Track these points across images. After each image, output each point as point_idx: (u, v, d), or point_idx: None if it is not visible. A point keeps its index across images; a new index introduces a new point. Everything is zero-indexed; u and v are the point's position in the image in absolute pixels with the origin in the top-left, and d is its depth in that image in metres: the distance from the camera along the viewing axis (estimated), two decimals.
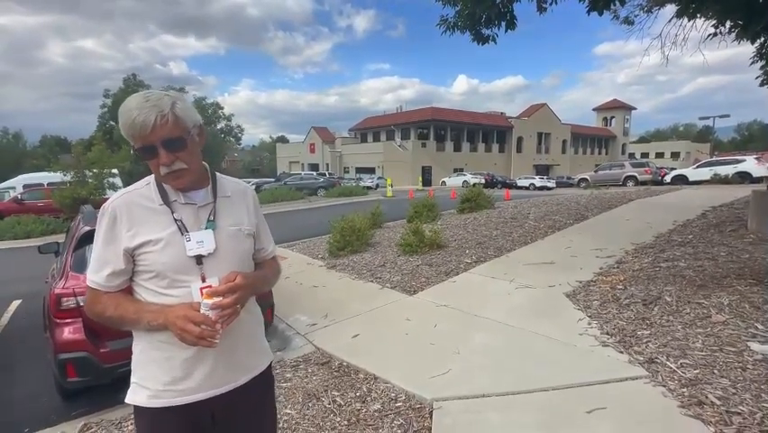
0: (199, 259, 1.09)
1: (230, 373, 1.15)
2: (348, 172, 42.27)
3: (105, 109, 37.16)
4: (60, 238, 8.32)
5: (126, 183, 18.74)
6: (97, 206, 3.97)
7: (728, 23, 4.77)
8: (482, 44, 5.82)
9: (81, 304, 2.69)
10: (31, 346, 4.08)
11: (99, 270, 1.09)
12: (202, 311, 1.01)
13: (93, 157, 13.57)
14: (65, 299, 2.69)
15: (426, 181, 35.98)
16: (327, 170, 39.34)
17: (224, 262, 1.12)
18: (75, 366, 2.65)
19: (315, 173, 31.83)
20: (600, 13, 4.81)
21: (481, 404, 2.42)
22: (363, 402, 2.55)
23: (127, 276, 1.11)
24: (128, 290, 1.13)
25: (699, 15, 5.08)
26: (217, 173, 1.22)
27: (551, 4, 5.39)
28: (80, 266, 2.87)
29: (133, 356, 1.15)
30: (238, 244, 1.18)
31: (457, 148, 42.40)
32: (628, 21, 7.80)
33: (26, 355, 3.94)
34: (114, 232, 1.08)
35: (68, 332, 2.68)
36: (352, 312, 4.22)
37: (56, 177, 13.91)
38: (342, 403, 2.56)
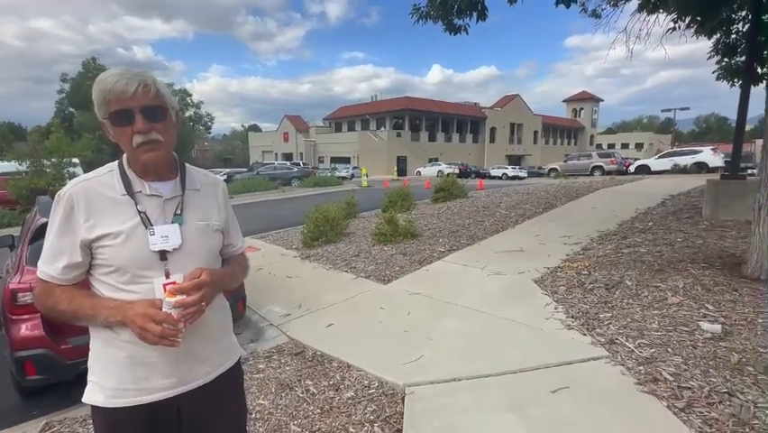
0: (163, 254, 1.04)
1: (195, 371, 1.12)
2: (323, 162, 41.83)
3: (63, 95, 35.22)
4: (15, 231, 7.87)
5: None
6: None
7: (687, 19, 4.98)
8: (454, 34, 5.85)
9: None
10: None
11: (53, 261, 1.03)
12: (164, 309, 0.97)
13: (51, 145, 12.85)
14: (21, 294, 2.56)
15: (401, 171, 36.09)
16: (301, 159, 38.77)
17: (190, 258, 1.08)
18: (34, 364, 2.53)
19: (288, 163, 31.30)
20: (567, 6, 4.91)
21: (452, 388, 2.49)
22: (337, 390, 2.57)
23: (84, 269, 1.06)
24: (83, 284, 1.08)
25: (660, 10, 5.27)
26: (187, 165, 1.17)
27: None
28: (36, 260, 2.73)
29: (90, 353, 1.09)
30: (206, 240, 1.13)
31: (432, 138, 42.65)
32: (596, 14, 7.99)
33: None
34: (70, 222, 1.02)
35: (26, 329, 2.56)
36: (327, 302, 4.22)
37: (10, 166, 13.10)
38: (316, 392, 2.57)
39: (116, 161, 1.10)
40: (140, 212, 1.04)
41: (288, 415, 2.35)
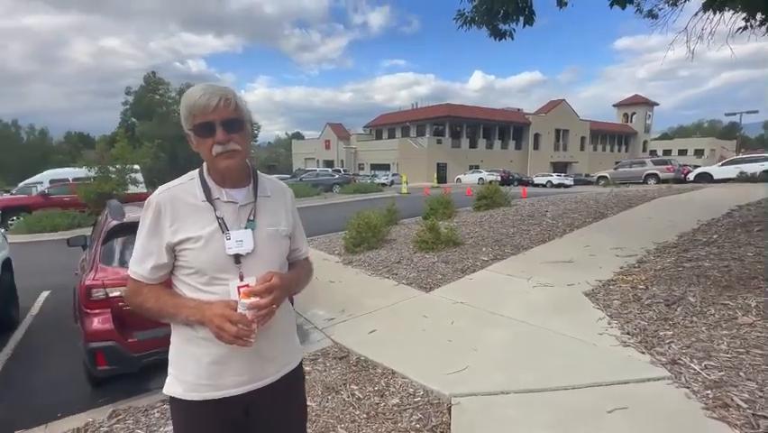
0: (237, 258, 1.10)
1: (264, 370, 1.17)
2: (363, 169, 42.32)
3: (127, 106, 38.15)
4: (86, 231, 8.55)
5: (147, 179, 19.17)
6: (122, 201, 4.05)
7: (759, 16, 4.60)
8: (499, 40, 5.76)
9: (110, 295, 2.79)
10: (59, 335, 4.23)
11: (142, 261, 1.12)
12: (239, 310, 1.03)
13: (116, 153, 13.91)
14: (95, 290, 2.79)
15: (441, 178, 35.82)
16: (342, 166, 39.51)
17: (261, 261, 1.13)
18: (104, 355, 2.75)
19: (330, 170, 32.00)
20: (623, 7, 4.70)
21: (500, 401, 2.42)
22: (382, 396, 2.58)
23: (169, 269, 1.14)
24: (167, 283, 1.16)
25: (726, 8, 4.91)
26: (258, 172, 1.24)
27: None
28: (109, 259, 2.97)
29: (171, 349, 1.18)
30: (275, 245, 1.19)
31: (473, 145, 42.04)
32: (652, 14, 7.58)
33: (55, 343, 4.10)
34: (158, 225, 1.11)
35: (98, 322, 2.78)
36: (369, 308, 4.25)
37: (81, 172, 14.31)
38: (361, 397, 2.59)
39: (197, 170, 1.18)
40: (218, 218, 1.11)
41: (334, 418, 2.39)
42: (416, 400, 2.52)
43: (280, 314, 1.18)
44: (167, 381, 1.18)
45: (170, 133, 32.31)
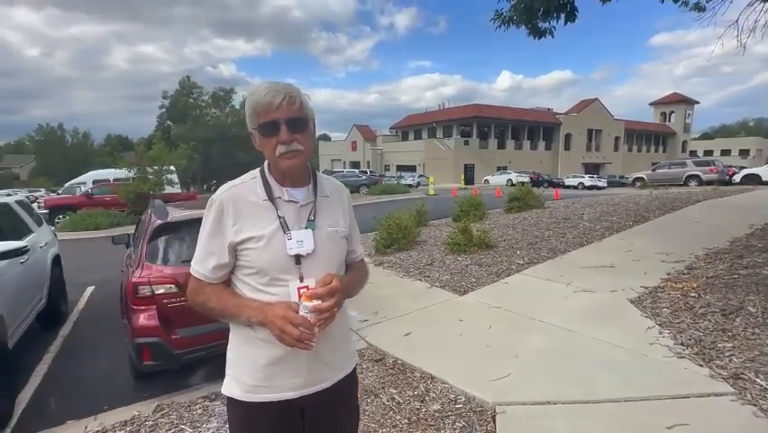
0: (298, 259, 1.08)
1: (321, 374, 1.15)
2: (389, 170, 42.35)
3: (164, 110, 39.64)
4: (125, 230, 8.88)
5: (182, 180, 19.82)
6: (164, 201, 4.14)
7: None
8: (538, 38, 5.60)
9: (156, 292, 2.86)
10: (105, 329, 4.40)
11: (204, 261, 1.12)
12: (301, 313, 1.01)
13: (153, 155, 14.46)
14: (141, 287, 2.87)
15: (469, 180, 35.35)
16: (368, 167, 39.65)
17: (320, 262, 1.11)
18: (150, 350, 2.81)
19: (357, 171, 32.19)
20: (676, 0, 4.46)
21: (547, 411, 2.32)
22: (422, 402, 2.53)
23: (229, 269, 1.13)
24: (227, 283, 1.16)
25: None
26: (318, 172, 1.22)
27: None
28: (154, 257, 3.05)
29: (229, 349, 1.17)
30: (335, 246, 1.17)
31: (501, 145, 41.30)
32: (699, 7, 7.20)
33: (101, 338, 4.26)
34: (220, 224, 1.10)
35: (144, 318, 2.85)
36: (403, 310, 4.21)
37: (121, 173, 14.96)
38: (401, 401, 2.55)
39: (258, 169, 1.17)
40: (279, 217, 1.09)
41: (375, 422, 2.35)
42: (457, 406, 2.45)
43: (338, 318, 1.15)
44: (225, 381, 1.17)
45: (204, 135, 33.32)
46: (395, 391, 2.67)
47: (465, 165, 37.81)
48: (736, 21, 6.78)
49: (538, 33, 5.36)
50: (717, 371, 2.55)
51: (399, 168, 41.06)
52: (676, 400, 2.33)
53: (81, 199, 14.88)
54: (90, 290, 6.01)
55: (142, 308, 2.88)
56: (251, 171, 1.17)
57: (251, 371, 1.11)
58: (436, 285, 4.93)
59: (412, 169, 38.73)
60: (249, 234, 1.08)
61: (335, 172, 31.90)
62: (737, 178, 18.94)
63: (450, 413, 2.38)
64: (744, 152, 53.37)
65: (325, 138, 70.86)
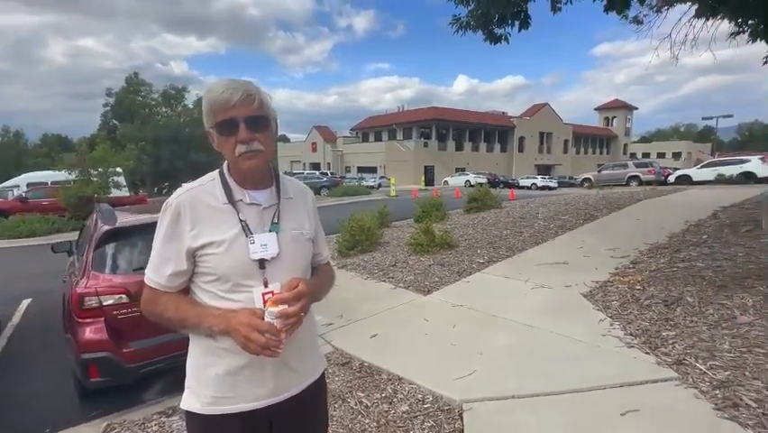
0: (262, 263, 1.04)
1: (289, 381, 1.11)
2: (350, 172, 42.23)
3: (108, 108, 37.07)
4: (66, 237, 8.23)
5: (129, 182, 18.64)
6: (110, 204, 3.88)
7: (750, 22, 4.74)
8: (494, 44, 5.79)
9: (104, 303, 2.66)
10: (44, 345, 4.05)
11: (160, 268, 1.05)
12: (267, 319, 0.96)
13: (97, 156, 13.51)
14: (87, 298, 2.66)
15: (429, 181, 35.94)
16: (329, 169, 39.27)
17: (285, 266, 1.07)
18: (97, 367, 2.61)
19: (317, 173, 31.80)
20: (619, 13, 4.79)
21: (512, 405, 2.39)
22: (390, 404, 2.52)
23: (188, 276, 1.07)
24: (186, 290, 1.09)
25: (720, 15, 5.05)
26: (280, 174, 1.18)
27: (565, 4, 5.36)
28: (101, 265, 2.84)
29: (189, 360, 1.11)
30: (300, 249, 1.13)
31: (459, 147, 42.38)
32: (637, 20, 7.77)
33: (40, 354, 3.91)
34: (177, 229, 1.04)
35: (91, 332, 2.64)
36: (368, 312, 4.19)
37: (60, 175, 13.87)
38: (369, 405, 2.53)
39: (217, 170, 1.11)
40: (241, 221, 1.05)
41: (344, 427, 2.32)
42: (425, 406, 2.47)
43: (305, 322, 1.12)
44: (184, 394, 1.11)
45: (154, 135, 31.55)
46: (363, 395, 2.65)
47: (425, 167, 38.44)
48: (669, 34, 7.38)
49: (494, 39, 5.55)
50: (663, 358, 2.74)
51: (360, 169, 41.07)
52: (628, 387, 2.47)
53: (14, 204, 13.66)
54: (27, 302, 5.51)
55: (89, 320, 2.68)
56: (210, 173, 1.11)
57: (212, 382, 1.05)
58: (401, 286, 4.95)
59: (373, 170, 38.86)
60: (208, 240, 1.02)
61: (295, 174, 31.31)
62: (672, 178, 20.56)
63: (418, 413, 2.39)
64: (677, 155, 58.16)
65: (284, 139, 69.45)
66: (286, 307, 0.98)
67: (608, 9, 4.80)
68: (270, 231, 1.07)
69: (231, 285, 1.03)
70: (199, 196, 1.06)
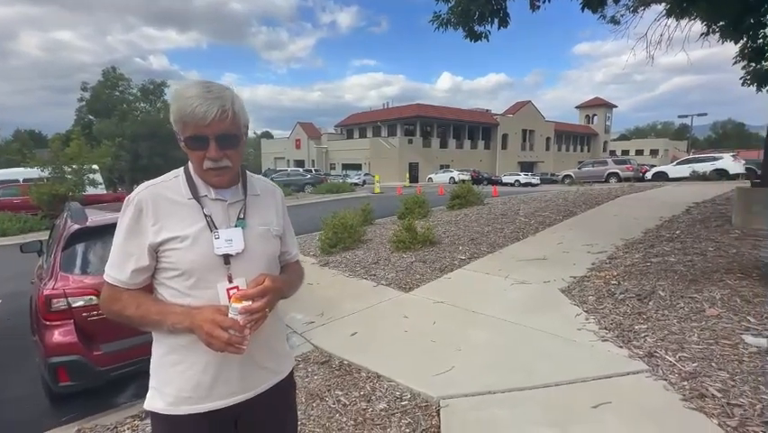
0: (227, 259, 1.03)
1: (254, 379, 1.10)
2: (334, 168, 41.98)
3: (83, 103, 35.89)
4: (38, 236, 7.98)
5: (107, 180, 18.13)
6: (82, 203, 3.76)
7: (719, 24, 4.88)
8: (475, 41, 5.83)
9: (72, 305, 2.58)
10: (11, 348, 3.92)
11: (121, 264, 1.02)
12: (230, 315, 0.95)
13: (71, 152, 13.10)
14: (55, 300, 2.57)
15: (413, 178, 36.04)
16: (313, 166, 38.98)
17: (251, 263, 1.06)
18: (67, 370, 2.54)
19: (301, 169, 31.54)
20: (594, 11, 4.87)
21: (488, 401, 2.42)
22: (368, 401, 2.52)
23: (150, 273, 1.05)
24: (148, 288, 1.07)
25: (692, 15, 5.18)
26: (247, 171, 1.17)
27: (544, 2, 5.42)
28: (70, 266, 2.76)
29: (153, 360, 1.09)
30: (267, 245, 1.12)
31: (443, 145, 42.59)
32: (615, 20, 7.93)
33: (7, 358, 3.78)
34: (139, 224, 1.01)
35: (59, 335, 2.57)
36: (349, 310, 4.18)
37: (33, 173, 13.40)
38: (347, 403, 2.52)
39: (182, 168, 1.09)
40: (206, 215, 1.03)
41: (321, 426, 2.31)
42: (403, 403, 2.47)
43: (271, 319, 1.11)
44: (148, 394, 1.09)
45: (132, 131, 30.74)
46: (341, 393, 2.64)
47: (410, 163, 38.51)
48: (645, 34, 7.56)
49: (474, 36, 5.58)
50: (635, 351, 2.81)
51: (345, 166, 40.87)
52: (600, 380, 2.53)
53: None
54: None
55: (57, 323, 2.60)
56: (174, 171, 1.09)
57: (176, 381, 1.04)
58: (382, 283, 4.96)
59: (357, 167, 38.71)
60: (171, 234, 1.00)
61: (279, 171, 31.00)
62: (649, 175, 21.12)
63: (396, 411, 2.40)
64: (654, 152, 59.65)
65: (267, 135, 68.62)
66: (250, 303, 0.97)
67: (584, 7, 4.88)
68: (237, 226, 1.06)
69: (194, 281, 1.01)
70: (162, 192, 1.04)
